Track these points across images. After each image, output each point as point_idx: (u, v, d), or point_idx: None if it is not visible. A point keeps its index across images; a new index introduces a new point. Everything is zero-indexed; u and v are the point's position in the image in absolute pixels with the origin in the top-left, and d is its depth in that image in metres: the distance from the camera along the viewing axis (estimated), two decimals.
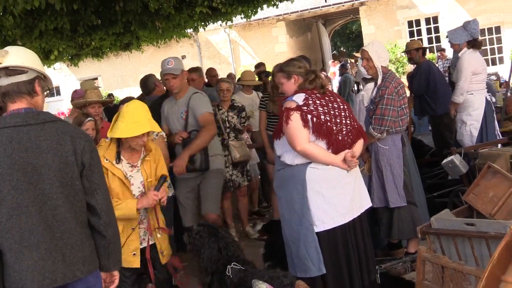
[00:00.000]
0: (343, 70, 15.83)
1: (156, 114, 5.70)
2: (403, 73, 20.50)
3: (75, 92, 6.50)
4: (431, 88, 7.51)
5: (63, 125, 2.73)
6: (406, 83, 9.11)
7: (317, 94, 4.01)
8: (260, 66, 9.68)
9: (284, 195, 4.10)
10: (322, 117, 3.90)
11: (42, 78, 2.78)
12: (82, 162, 2.72)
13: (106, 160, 3.82)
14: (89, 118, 5.05)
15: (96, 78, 23.83)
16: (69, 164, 2.68)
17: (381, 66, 5.07)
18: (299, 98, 3.95)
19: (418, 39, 20.76)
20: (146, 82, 7.04)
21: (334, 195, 3.95)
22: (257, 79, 8.12)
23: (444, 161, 5.68)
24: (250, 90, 7.98)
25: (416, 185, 5.46)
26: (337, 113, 4.00)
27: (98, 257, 2.82)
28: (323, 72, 21.25)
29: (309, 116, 3.87)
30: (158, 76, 6.71)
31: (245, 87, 7.98)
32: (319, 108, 3.92)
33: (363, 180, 4.38)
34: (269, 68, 10.67)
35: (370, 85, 5.85)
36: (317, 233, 3.94)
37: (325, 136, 3.90)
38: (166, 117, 5.59)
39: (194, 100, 5.39)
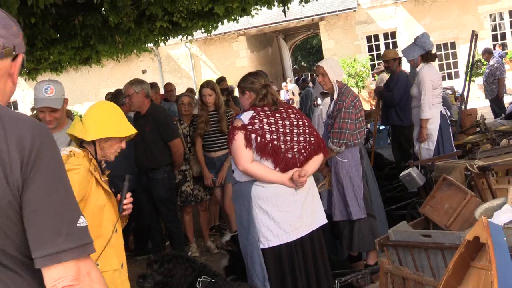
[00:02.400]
0: (304, 84, 15.99)
1: None
2: (363, 87, 20.86)
3: None
4: (405, 99, 7.64)
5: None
6: (365, 96, 9.23)
7: (267, 112, 3.99)
8: (221, 81, 9.69)
9: (237, 210, 4.15)
10: (268, 136, 3.89)
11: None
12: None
13: (95, 171, 3.13)
14: None
15: None
16: None
17: (336, 81, 5.15)
18: (246, 116, 3.96)
19: (376, 53, 21.22)
20: (118, 96, 6.84)
21: (279, 213, 3.94)
22: None
23: (402, 174, 5.79)
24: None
25: (375, 197, 5.54)
26: (287, 131, 3.98)
27: None
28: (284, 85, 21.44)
29: (253, 136, 3.86)
30: None
31: None
32: (265, 127, 3.91)
33: (320, 196, 4.40)
34: (230, 82, 10.74)
35: (328, 99, 5.95)
36: (262, 249, 3.95)
37: (270, 155, 3.89)
38: None
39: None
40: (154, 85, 7.58)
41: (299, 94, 16.06)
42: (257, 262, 3.97)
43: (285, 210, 3.97)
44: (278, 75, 26.77)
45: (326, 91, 5.96)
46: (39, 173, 1.54)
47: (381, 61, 8.09)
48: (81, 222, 1.61)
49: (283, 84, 22.50)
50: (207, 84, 6.44)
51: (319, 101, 7.26)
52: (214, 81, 10.26)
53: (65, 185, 1.62)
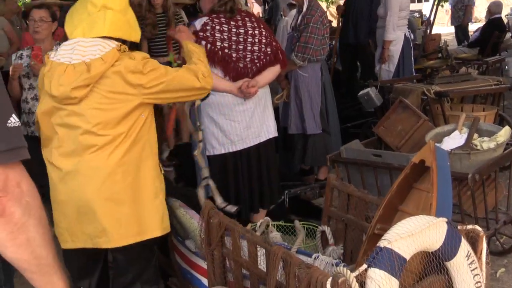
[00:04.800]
0: None
1: None
2: (332, 2, 20.51)
3: None
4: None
5: None
6: (333, 12, 9.04)
7: (222, 19, 3.87)
8: None
9: (191, 116, 4.12)
10: (219, 43, 3.80)
11: None
12: None
13: None
14: None
15: None
16: None
17: None
18: (199, 23, 3.85)
19: None
20: None
21: (226, 121, 3.93)
22: None
23: (360, 93, 5.83)
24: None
25: (331, 114, 5.59)
26: (241, 39, 3.89)
27: None
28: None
29: (203, 42, 3.75)
30: None
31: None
32: (217, 35, 3.81)
33: (278, 108, 4.39)
34: None
35: (294, 11, 5.84)
36: (208, 157, 3.96)
37: (219, 63, 3.81)
38: None
39: None
40: None
41: (267, 4, 15.62)
42: (202, 169, 4.00)
43: (233, 120, 3.94)
44: None
45: (293, 3, 5.86)
46: None
47: None
48: (13, 121, 1.30)
49: None
50: None
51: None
52: None
53: None
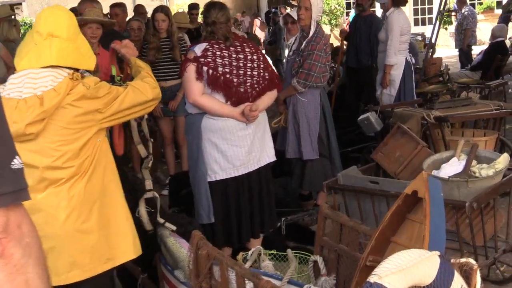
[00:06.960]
0: (275, 17, 15.59)
1: None
2: (336, 25, 20.62)
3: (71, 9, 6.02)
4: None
5: None
6: (337, 34, 9.05)
7: (221, 45, 3.93)
8: (193, 8, 9.32)
9: (189, 142, 4.14)
10: (220, 69, 3.85)
11: None
12: None
13: None
14: None
15: (20, 4, 22.59)
16: None
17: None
18: (199, 49, 3.90)
19: None
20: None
21: (229, 146, 3.95)
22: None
23: (360, 117, 5.79)
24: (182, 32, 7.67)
25: (332, 139, 5.53)
26: (241, 65, 3.94)
27: None
28: (258, 18, 20.94)
29: (204, 68, 3.81)
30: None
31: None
32: (218, 60, 3.86)
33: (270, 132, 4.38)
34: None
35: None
36: (209, 182, 3.97)
37: (221, 88, 3.85)
38: None
39: None
40: (121, 5, 7.26)
41: (270, 29, 15.67)
42: (203, 195, 3.99)
43: (235, 144, 3.97)
44: (252, 5, 26.20)
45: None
46: None
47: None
48: (16, 163, 1.29)
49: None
50: (161, 8, 6.03)
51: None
52: (187, 6, 9.81)
53: None
